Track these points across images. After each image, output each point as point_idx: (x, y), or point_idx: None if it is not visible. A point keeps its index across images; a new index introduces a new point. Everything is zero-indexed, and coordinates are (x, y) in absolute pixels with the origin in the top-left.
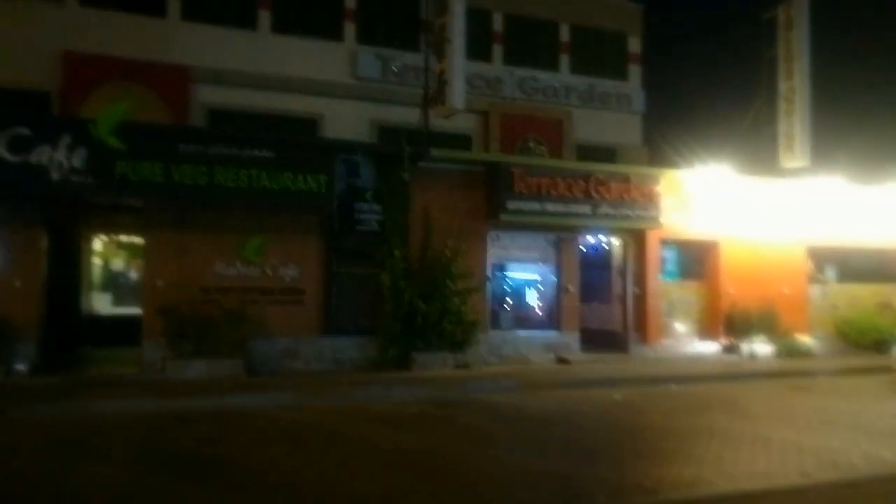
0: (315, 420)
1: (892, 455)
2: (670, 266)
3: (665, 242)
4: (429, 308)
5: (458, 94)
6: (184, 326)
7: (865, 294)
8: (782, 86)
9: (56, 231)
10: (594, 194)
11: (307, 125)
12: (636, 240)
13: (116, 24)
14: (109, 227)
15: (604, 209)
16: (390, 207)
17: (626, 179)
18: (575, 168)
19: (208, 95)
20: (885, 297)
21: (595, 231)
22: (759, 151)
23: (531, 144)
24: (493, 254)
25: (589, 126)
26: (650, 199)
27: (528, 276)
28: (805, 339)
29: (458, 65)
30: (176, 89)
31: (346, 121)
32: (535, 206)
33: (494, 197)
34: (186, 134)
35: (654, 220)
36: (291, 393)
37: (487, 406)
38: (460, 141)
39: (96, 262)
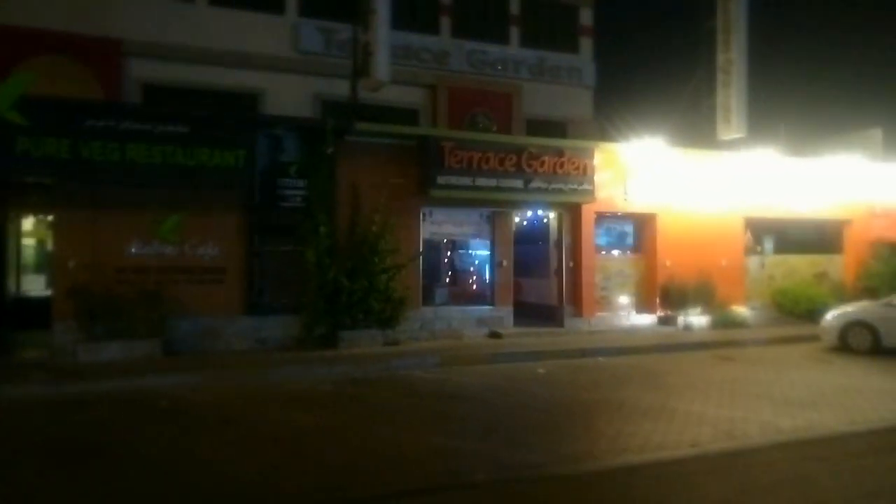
0: (218, 401)
1: (790, 424)
2: (630, 240)
3: (601, 215)
4: (354, 285)
5: (382, 65)
6: (95, 307)
7: (803, 265)
8: (720, 57)
9: None
10: (527, 168)
11: (248, 100)
12: (571, 213)
13: None
14: (22, 207)
15: (536, 183)
16: (315, 183)
17: (559, 153)
18: (507, 142)
19: (144, 70)
20: (822, 267)
21: (528, 205)
22: (699, 124)
23: (479, 119)
24: (425, 229)
25: (539, 100)
26: (584, 173)
27: (462, 252)
28: (741, 310)
29: (383, 36)
30: (108, 63)
31: (289, 95)
32: (466, 180)
33: (424, 172)
34: (95, 108)
35: (589, 194)
36: (204, 373)
37: (404, 383)
38: (406, 115)
39: (27, 242)
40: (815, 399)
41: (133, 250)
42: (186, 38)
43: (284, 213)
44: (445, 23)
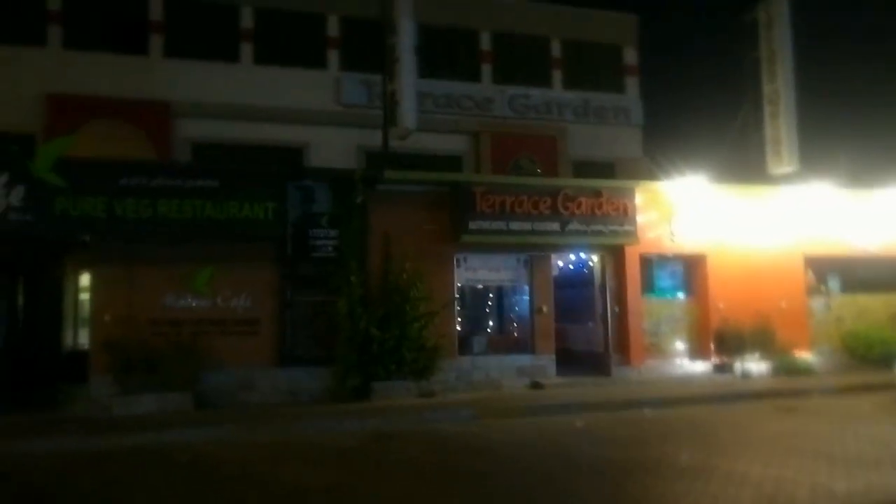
0: (237, 456)
1: (845, 487)
2: (679, 282)
3: (646, 257)
4: (385, 335)
5: (408, 113)
6: (130, 361)
7: (876, 305)
8: (766, 88)
9: (8, 269)
10: (563, 211)
11: (292, 154)
12: (614, 256)
13: (99, 64)
14: (79, 263)
15: (574, 226)
16: (347, 232)
17: (597, 194)
18: (542, 185)
19: (192, 129)
20: None
21: (567, 249)
22: (749, 158)
23: (523, 163)
24: (460, 276)
25: (586, 141)
26: (625, 214)
27: (500, 298)
28: (805, 356)
29: (409, 84)
30: (159, 125)
31: (332, 147)
32: (500, 225)
33: (456, 217)
34: (128, 167)
35: (631, 235)
36: (233, 427)
37: (433, 437)
38: (450, 162)
39: (84, 297)
40: (881, 457)
41: (167, 303)
42: (232, 97)
43: (317, 263)
44: (486, 70)
